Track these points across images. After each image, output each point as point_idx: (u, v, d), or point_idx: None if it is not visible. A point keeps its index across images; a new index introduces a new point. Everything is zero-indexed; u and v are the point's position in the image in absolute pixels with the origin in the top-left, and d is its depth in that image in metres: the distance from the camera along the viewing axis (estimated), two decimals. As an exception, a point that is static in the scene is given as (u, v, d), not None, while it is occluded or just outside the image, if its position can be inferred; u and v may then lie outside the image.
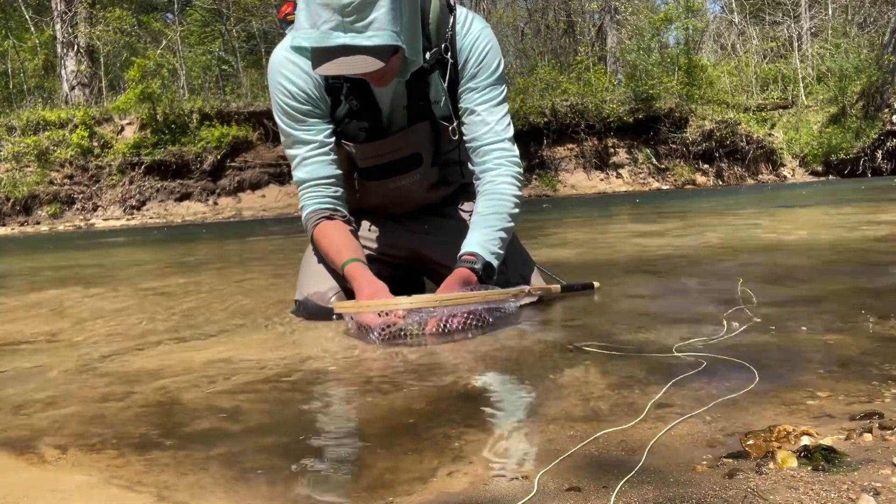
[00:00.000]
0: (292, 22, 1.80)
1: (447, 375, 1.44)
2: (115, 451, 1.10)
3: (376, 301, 1.76)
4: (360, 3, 1.57)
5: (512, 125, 2.05)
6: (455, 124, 2.03)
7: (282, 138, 2.06)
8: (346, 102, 1.99)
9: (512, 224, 2.01)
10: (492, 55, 1.99)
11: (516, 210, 2.03)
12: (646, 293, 2.32)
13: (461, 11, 1.99)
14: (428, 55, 1.92)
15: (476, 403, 1.26)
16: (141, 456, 1.07)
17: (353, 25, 1.58)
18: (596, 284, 2.32)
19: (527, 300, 1.98)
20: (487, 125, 2.00)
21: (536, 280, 2.18)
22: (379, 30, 1.60)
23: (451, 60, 1.96)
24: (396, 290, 1.85)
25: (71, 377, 1.60)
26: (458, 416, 1.17)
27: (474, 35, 1.97)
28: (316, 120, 1.99)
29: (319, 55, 1.64)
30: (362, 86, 1.95)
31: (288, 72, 1.96)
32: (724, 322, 1.74)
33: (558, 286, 2.14)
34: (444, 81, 1.98)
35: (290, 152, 2.05)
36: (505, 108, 2.04)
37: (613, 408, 1.16)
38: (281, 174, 21.07)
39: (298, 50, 1.72)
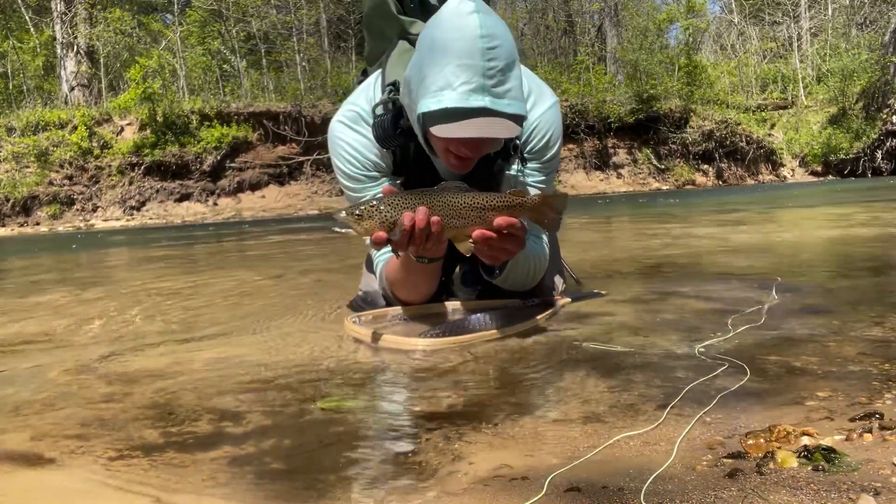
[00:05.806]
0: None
1: (447, 377, 1.44)
2: (114, 451, 1.10)
3: (395, 338, 1.77)
4: (505, 66, 1.49)
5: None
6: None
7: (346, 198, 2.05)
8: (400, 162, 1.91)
9: (542, 262, 1.98)
10: (552, 140, 1.90)
11: (543, 264, 2.02)
12: (647, 296, 2.32)
13: (525, 84, 1.83)
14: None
15: (477, 405, 1.26)
16: (140, 457, 1.07)
17: (493, 89, 1.49)
18: (603, 292, 2.32)
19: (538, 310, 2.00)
20: None
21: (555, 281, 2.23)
22: (515, 99, 1.52)
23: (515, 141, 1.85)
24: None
25: (70, 378, 1.60)
26: (459, 419, 1.17)
27: (536, 116, 1.86)
28: (373, 183, 1.93)
29: (452, 116, 1.51)
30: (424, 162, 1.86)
31: (347, 137, 1.89)
32: (726, 324, 1.74)
33: (569, 299, 2.15)
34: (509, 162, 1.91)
35: None
36: (550, 185, 1.97)
37: (614, 409, 1.16)
38: (280, 175, 21.08)
39: (429, 115, 1.54)
